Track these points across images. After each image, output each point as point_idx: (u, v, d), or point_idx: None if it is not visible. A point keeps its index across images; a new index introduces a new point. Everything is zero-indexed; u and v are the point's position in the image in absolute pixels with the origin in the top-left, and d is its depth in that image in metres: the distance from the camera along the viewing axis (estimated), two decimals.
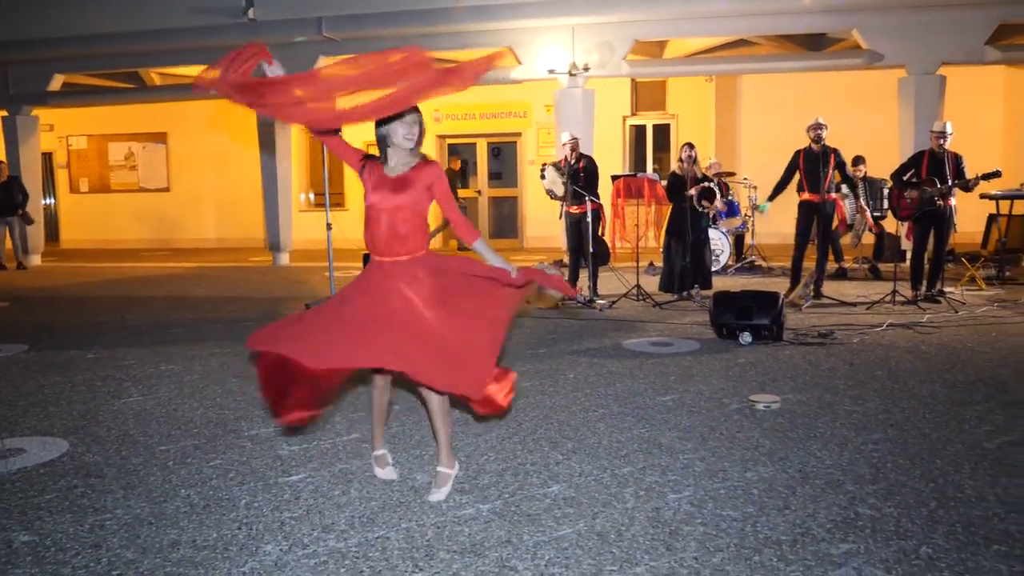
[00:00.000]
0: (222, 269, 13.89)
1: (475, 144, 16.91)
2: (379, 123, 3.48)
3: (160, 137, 18.55)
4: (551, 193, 9.12)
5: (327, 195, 9.22)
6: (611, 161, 15.00)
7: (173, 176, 18.64)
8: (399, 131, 3.52)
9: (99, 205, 19.00)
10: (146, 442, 4.49)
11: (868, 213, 10.38)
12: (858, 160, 11.05)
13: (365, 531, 3.31)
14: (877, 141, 12.45)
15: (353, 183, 16.70)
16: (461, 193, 16.38)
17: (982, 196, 10.41)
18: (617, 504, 3.53)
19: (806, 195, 8.78)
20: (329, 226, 9.06)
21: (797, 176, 8.88)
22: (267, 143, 13.85)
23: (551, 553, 3.09)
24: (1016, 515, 3.34)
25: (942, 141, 8.52)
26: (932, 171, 8.49)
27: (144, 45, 13.68)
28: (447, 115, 16.56)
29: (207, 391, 5.60)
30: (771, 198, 9.11)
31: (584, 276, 9.17)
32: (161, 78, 16.00)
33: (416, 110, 3.52)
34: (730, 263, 11.51)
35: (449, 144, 17.05)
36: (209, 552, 3.15)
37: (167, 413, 5.07)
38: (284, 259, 14.25)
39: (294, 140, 15.49)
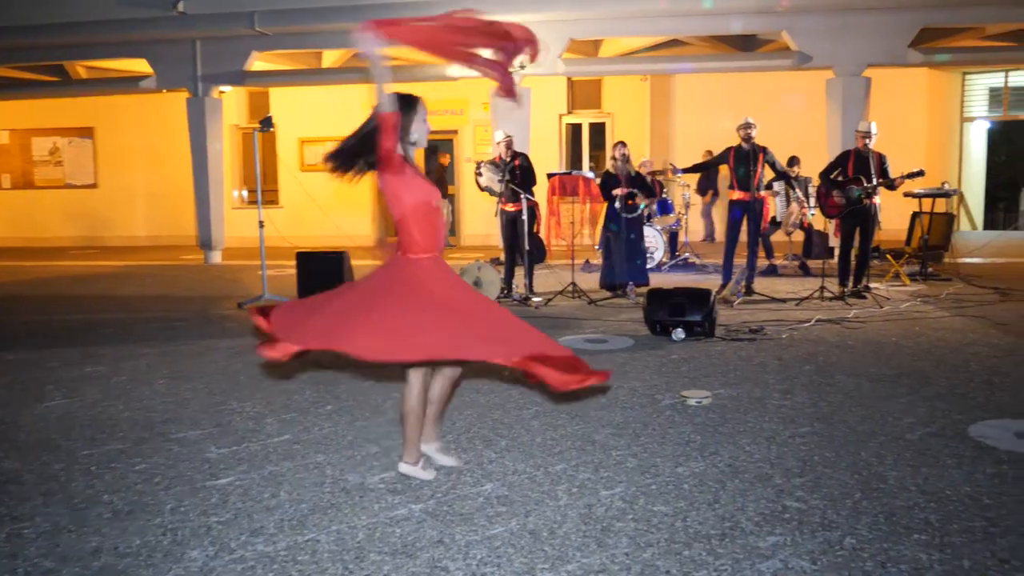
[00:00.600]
0: (152, 267, 13.58)
1: None
2: (407, 119, 3.54)
3: (86, 132, 18.04)
4: (489, 190, 9.11)
5: (259, 192, 9.07)
6: (547, 159, 15.06)
7: (101, 172, 18.15)
8: (425, 129, 3.62)
9: (23, 202, 18.40)
10: (68, 447, 4.36)
11: (807, 208, 10.61)
12: (792, 160, 11.31)
13: (295, 534, 3.26)
14: (806, 140, 12.72)
15: (288, 180, 16.45)
16: None
17: (906, 195, 10.71)
18: (550, 502, 3.54)
19: (737, 193, 8.93)
20: (261, 224, 8.91)
21: (727, 174, 9.08)
22: (198, 138, 13.57)
23: (483, 552, 3.08)
24: (935, 504, 3.44)
25: (867, 141, 8.74)
26: (858, 170, 8.71)
27: (70, 37, 13.30)
28: None
29: (135, 393, 5.46)
30: (686, 170, 9.57)
31: (520, 274, 9.19)
32: (87, 71, 15.57)
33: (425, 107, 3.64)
34: (664, 260, 11.65)
35: None
36: (132, 559, 3.07)
37: (92, 416, 4.93)
38: (216, 257, 13.99)
39: (226, 135, 15.22)
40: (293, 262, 9.17)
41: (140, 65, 14.07)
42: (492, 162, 9.16)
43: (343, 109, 16.26)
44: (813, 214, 10.72)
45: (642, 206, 9.19)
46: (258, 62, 13.72)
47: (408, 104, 3.54)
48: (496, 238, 11.34)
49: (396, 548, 3.12)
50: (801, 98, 14.26)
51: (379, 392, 5.35)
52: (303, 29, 12.79)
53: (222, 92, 13.99)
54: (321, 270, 7.55)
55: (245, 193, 17.56)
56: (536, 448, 4.23)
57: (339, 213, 14.23)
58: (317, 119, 16.56)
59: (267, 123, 8.89)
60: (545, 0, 11.90)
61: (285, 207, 16.40)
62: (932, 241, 10.90)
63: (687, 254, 12.17)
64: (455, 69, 12.54)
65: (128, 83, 14.48)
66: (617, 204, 8.98)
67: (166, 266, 13.78)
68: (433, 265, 3.57)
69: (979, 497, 3.51)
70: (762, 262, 11.01)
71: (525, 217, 8.82)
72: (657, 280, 9.62)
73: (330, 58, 15.15)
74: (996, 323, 7.36)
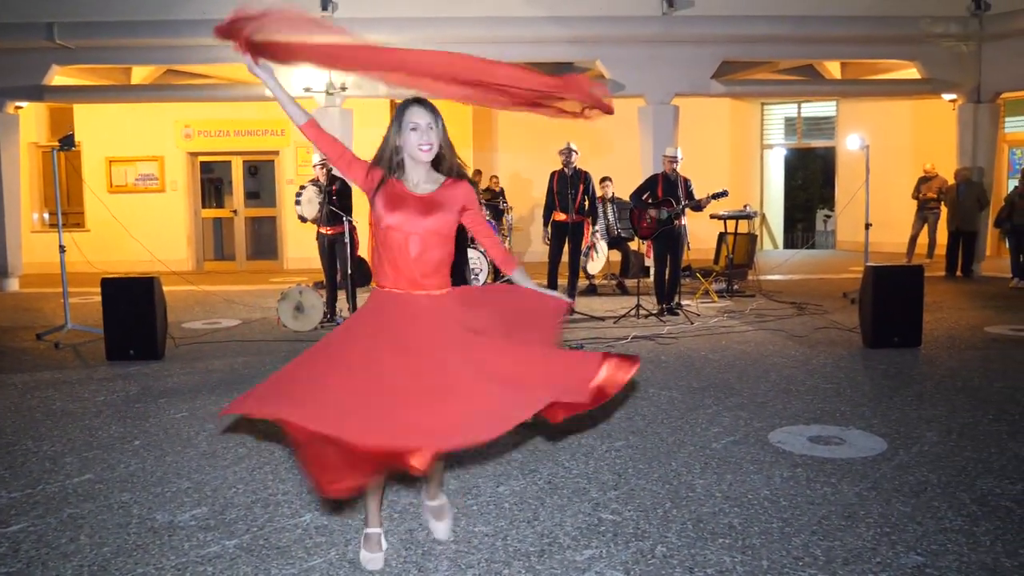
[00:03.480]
0: None
1: (230, 162, 16.24)
2: (391, 130, 3.06)
3: None
4: (302, 218, 8.99)
5: (59, 214, 8.49)
6: None
7: None
8: (411, 140, 3.02)
9: None
10: None
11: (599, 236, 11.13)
12: (605, 179, 11.77)
13: None
14: (622, 164, 13.27)
15: (94, 202, 15.48)
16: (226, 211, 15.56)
17: (712, 216, 11.39)
18: None
19: (558, 215, 9.21)
20: (63, 248, 8.35)
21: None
22: None
23: None
24: (738, 508, 3.65)
25: (674, 165, 9.23)
26: (667, 192, 9.17)
27: None
28: (199, 131, 15.80)
29: None
30: (546, 224, 9.51)
31: (343, 298, 9.05)
32: None
33: (434, 113, 3.07)
34: (488, 282, 11.79)
35: (202, 162, 16.27)
36: None
37: None
38: (13, 285, 12.94)
39: (24, 152, 14.17)
40: (97, 289, 8.64)
41: None
42: (315, 182, 9.01)
43: (154, 128, 15.59)
44: (625, 237, 11.21)
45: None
46: (59, 76, 12.87)
47: (397, 112, 3.08)
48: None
49: None
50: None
51: (191, 425, 5.10)
52: (108, 43, 12.11)
53: (18, 108, 13.02)
54: (129, 297, 7.13)
55: (46, 215, 16.37)
56: None
57: (150, 237, 13.48)
58: (126, 138, 15.71)
59: (68, 141, 8.34)
60: (367, 23, 11.84)
61: (92, 230, 15.39)
62: (737, 260, 11.61)
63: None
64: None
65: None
66: None
67: None
68: (390, 302, 3.02)
69: (776, 499, 3.75)
70: (584, 282, 11.40)
71: (347, 240, 8.71)
72: None
73: (140, 74, 14.42)
74: (792, 336, 7.92)
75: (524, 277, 3.37)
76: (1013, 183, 13.29)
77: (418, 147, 3.01)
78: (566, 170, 9.19)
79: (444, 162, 3.12)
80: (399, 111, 3.07)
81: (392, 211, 3.00)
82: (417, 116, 3.03)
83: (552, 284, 9.46)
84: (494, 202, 12.61)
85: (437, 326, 2.97)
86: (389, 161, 3.06)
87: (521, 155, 15.80)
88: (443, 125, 3.09)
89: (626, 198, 11.36)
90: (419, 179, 3.08)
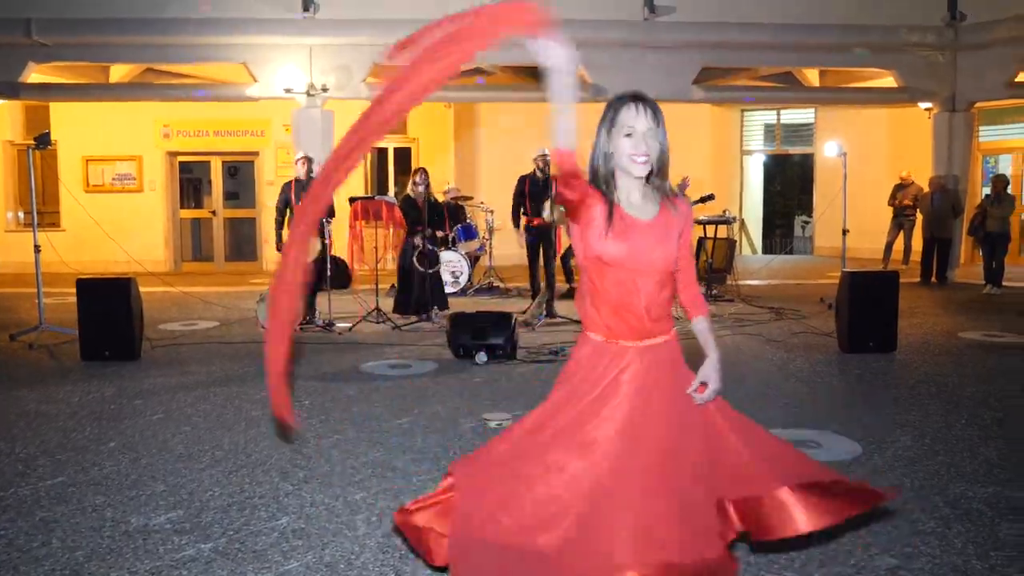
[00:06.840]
0: None
1: (209, 163, 16.13)
2: (600, 133, 2.46)
3: None
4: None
5: (34, 214, 8.41)
6: (352, 183, 14.89)
7: None
8: (624, 147, 2.41)
9: None
10: None
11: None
12: None
13: None
14: None
15: (70, 202, 15.36)
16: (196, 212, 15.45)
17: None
18: (348, 532, 3.48)
19: (534, 220, 9.31)
20: (38, 248, 8.26)
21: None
22: None
23: None
24: None
25: None
26: None
27: None
28: (178, 131, 15.68)
29: None
30: (516, 225, 9.64)
31: (323, 300, 9.03)
32: None
33: (656, 114, 2.44)
34: (469, 285, 11.80)
35: (181, 162, 16.15)
36: None
37: None
38: None
39: None
40: (72, 289, 8.55)
41: None
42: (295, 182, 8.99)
43: (132, 127, 15.45)
44: None
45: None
46: (36, 74, 12.75)
47: (608, 109, 2.53)
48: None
49: None
50: None
51: (167, 427, 5.07)
52: (86, 40, 12.00)
53: None
54: (104, 298, 7.08)
55: (21, 215, 16.18)
56: (335, 478, 4.14)
57: (127, 237, 13.40)
58: (104, 137, 15.56)
59: (44, 140, 8.26)
60: (347, 25, 11.83)
61: (67, 230, 15.24)
62: (716, 265, 11.66)
63: (491, 278, 12.39)
64: (255, 89, 12.17)
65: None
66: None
67: None
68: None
69: None
70: (564, 286, 11.40)
71: (328, 241, 8.69)
72: (462, 304, 9.73)
73: (118, 72, 14.32)
74: (770, 340, 7.97)
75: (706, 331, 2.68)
76: (986, 191, 13.45)
77: (630, 157, 2.40)
78: (538, 174, 9.34)
79: (655, 175, 2.50)
80: (609, 108, 2.47)
81: (619, 239, 2.39)
82: (632, 118, 2.42)
83: (534, 288, 9.54)
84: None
85: (664, 392, 2.55)
86: (604, 174, 2.45)
87: (507, 156, 15.79)
88: (664, 130, 2.47)
89: None
90: (636, 198, 2.48)
